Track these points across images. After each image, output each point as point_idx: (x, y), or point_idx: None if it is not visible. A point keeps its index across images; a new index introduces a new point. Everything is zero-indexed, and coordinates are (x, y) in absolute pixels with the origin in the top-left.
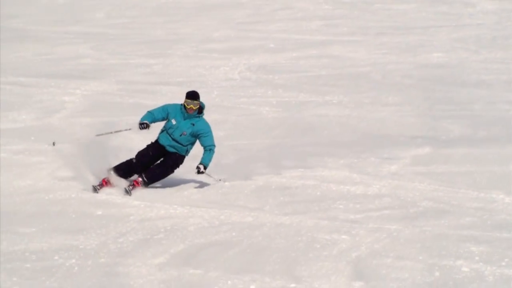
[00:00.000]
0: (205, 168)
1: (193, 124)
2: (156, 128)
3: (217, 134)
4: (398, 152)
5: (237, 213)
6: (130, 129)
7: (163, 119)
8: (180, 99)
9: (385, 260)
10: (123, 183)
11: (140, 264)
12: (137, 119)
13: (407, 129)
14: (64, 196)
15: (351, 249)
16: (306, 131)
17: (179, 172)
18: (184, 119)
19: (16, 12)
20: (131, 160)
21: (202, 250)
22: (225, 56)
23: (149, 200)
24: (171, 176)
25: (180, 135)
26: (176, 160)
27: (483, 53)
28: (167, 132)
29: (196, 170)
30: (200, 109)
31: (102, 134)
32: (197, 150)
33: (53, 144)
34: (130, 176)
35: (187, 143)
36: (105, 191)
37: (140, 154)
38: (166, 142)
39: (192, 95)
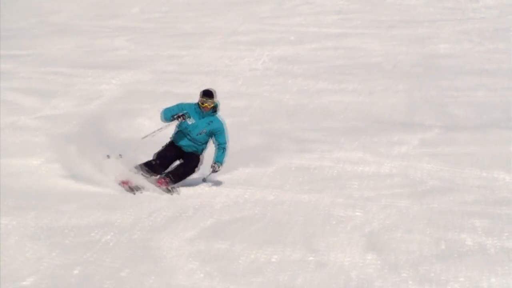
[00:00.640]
0: (219, 166)
1: (210, 122)
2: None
3: (242, 120)
4: (408, 135)
5: (260, 191)
6: (168, 125)
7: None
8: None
9: (395, 234)
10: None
11: (171, 238)
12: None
13: (416, 114)
14: (102, 177)
15: (364, 224)
16: (324, 116)
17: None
18: (201, 118)
19: (58, 8)
20: (151, 161)
21: (228, 225)
22: (250, 48)
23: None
24: None
25: (198, 134)
26: (196, 160)
27: (485, 44)
28: (183, 132)
29: (211, 169)
30: (215, 108)
31: (146, 136)
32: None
33: (108, 157)
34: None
35: (204, 141)
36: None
37: (160, 155)
38: (183, 142)
39: (208, 93)
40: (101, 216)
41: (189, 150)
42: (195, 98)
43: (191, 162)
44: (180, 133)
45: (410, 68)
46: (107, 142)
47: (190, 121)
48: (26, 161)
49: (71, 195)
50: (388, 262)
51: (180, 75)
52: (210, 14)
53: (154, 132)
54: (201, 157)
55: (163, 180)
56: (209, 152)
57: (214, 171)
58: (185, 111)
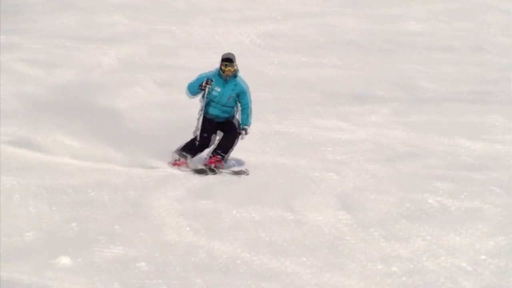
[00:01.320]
0: (246, 131)
1: (235, 86)
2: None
3: None
4: (379, 105)
5: (242, 155)
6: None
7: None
8: (199, 60)
9: (366, 194)
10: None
11: (161, 197)
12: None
13: (388, 86)
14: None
15: (338, 185)
16: (302, 87)
17: None
18: (225, 84)
19: None
20: (193, 141)
21: (213, 186)
22: (237, 25)
23: None
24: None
25: (227, 101)
26: (234, 124)
27: (452, 23)
28: (212, 103)
29: (241, 135)
30: (235, 72)
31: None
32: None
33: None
34: (194, 156)
35: (234, 105)
36: None
37: (203, 137)
38: (215, 112)
39: (228, 59)
40: (97, 177)
41: (223, 118)
42: (187, 69)
43: (232, 129)
44: (210, 104)
45: (383, 44)
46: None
47: (217, 90)
48: (29, 131)
49: (72, 160)
50: (358, 220)
51: (173, 49)
52: None
53: (198, 123)
54: (235, 120)
55: (213, 158)
56: None
57: (246, 133)
58: (210, 78)
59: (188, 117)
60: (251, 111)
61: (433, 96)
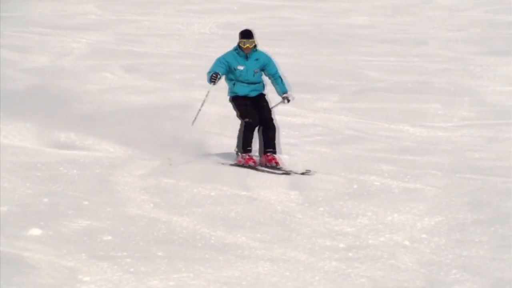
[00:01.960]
0: (290, 96)
1: (258, 59)
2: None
3: (190, 76)
4: (329, 92)
5: (202, 137)
6: (208, 92)
7: (226, 73)
8: (163, 48)
9: (316, 175)
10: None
11: (126, 174)
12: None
13: (337, 75)
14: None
15: (290, 166)
16: None
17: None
18: (247, 60)
19: None
20: (248, 122)
21: (175, 164)
22: (199, 16)
23: None
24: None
25: (254, 74)
26: (266, 99)
27: (397, 17)
28: (239, 82)
29: (285, 102)
30: (255, 45)
31: (193, 121)
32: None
33: (169, 160)
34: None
35: (261, 80)
36: None
37: (249, 112)
38: (246, 90)
39: (247, 34)
40: (68, 154)
41: (255, 93)
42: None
43: (265, 103)
44: (237, 83)
45: (333, 36)
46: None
47: (240, 68)
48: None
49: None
50: (308, 199)
51: (139, 37)
52: None
53: (197, 114)
54: (265, 92)
55: (268, 157)
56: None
57: (288, 101)
58: (216, 72)
59: (152, 101)
60: (283, 77)
61: (378, 85)
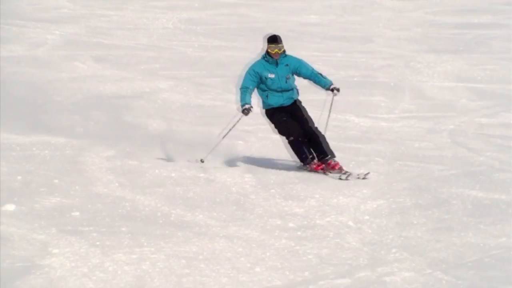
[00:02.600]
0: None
1: (288, 64)
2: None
3: (154, 66)
4: None
5: (163, 123)
6: (240, 119)
7: (259, 84)
8: (130, 41)
9: (268, 160)
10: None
11: (94, 156)
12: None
13: None
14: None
15: (245, 151)
16: (218, 67)
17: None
18: (277, 67)
19: None
20: (292, 140)
21: (139, 148)
22: (163, 11)
23: None
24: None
25: (286, 81)
26: (301, 106)
27: (345, 16)
28: (272, 91)
29: (335, 93)
30: (284, 50)
31: (224, 136)
32: None
33: (201, 161)
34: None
35: (294, 86)
36: None
37: (290, 128)
38: (280, 99)
39: (274, 39)
40: (41, 136)
41: (290, 101)
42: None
43: (302, 111)
44: (270, 94)
45: (287, 32)
46: None
47: (271, 76)
48: None
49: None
50: (261, 181)
51: (108, 30)
52: None
53: (229, 130)
54: (299, 99)
55: (331, 164)
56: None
57: (337, 92)
58: (249, 106)
59: (119, 89)
60: (320, 72)
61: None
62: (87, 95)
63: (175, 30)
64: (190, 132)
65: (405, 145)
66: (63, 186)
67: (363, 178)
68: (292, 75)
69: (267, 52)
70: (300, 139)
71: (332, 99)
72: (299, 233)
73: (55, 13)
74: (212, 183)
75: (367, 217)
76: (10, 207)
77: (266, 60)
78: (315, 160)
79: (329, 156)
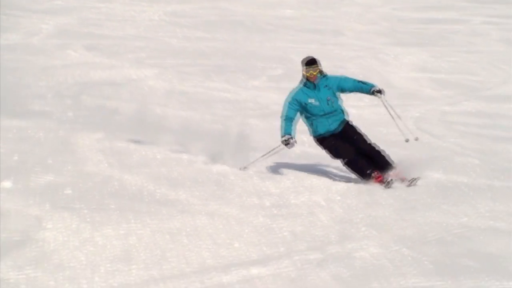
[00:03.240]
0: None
1: (327, 85)
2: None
3: (140, 55)
4: (259, 73)
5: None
6: (279, 146)
7: (300, 112)
8: (118, 31)
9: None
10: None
11: (85, 137)
12: (89, 43)
13: (267, 58)
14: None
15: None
16: (199, 56)
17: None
18: (317, 90)
19: None
20: (347, 161)
21: (127, 128)
22: (149, 4)
23: None
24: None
25: (328, 103)
26: (352, 126)
27: (319, 11)
28: (317, 117)
29: (381, 95)
30: (321, 72)
31: (266, 154)
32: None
33: (243, 168)
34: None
35: (338, 103)
36: None
37: (343, 151)
38: (326, 124)
39: (309, 62)
40: (35, 119)
41: (337, 123)
42: (109, 37)
43: (354, 130)
44: (315, 121)
45: (264, 25)
46: None
47: (312, 101)
48: None
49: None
50: (233, 171)
51: (98, 21)
52: None
53: (273, 150)
54: (349, 120)
55: (381, 177)
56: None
57: (382, 93)
58: (291, 138)
59: (108, 75)
60: (361, 80)
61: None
62: (79, 81)
63: (160, 22)
64: (174, 116)
65: (373, 131)
66: (56, 166)
67: (412, 182)
68: (335, 95)
69: (305, 76)
70: (354, 157)
71: (383, 101)
72: (275, 211)
73: (49, 4)
74: (195, 164)
75: (338, 197)
76: (7, 184)
77: (304, 85)
78: (376, 173)
79: (392, 165)
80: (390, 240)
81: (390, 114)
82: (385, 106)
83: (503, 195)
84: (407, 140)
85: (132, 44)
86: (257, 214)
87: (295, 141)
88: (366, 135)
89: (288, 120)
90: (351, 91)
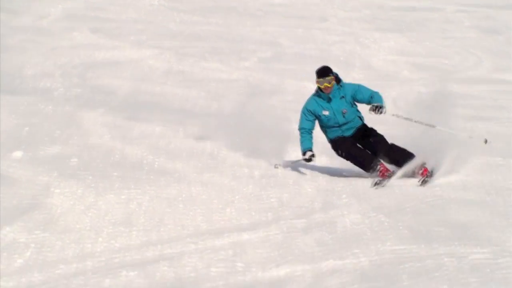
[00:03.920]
0: (380, 107)
1: (343, 96)
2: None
3: (141, 37)
4: (250, 54)
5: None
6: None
7: (315, 121)
8: (121, 15)
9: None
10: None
11: (90, 112)
12: (94, 25)
13: (257, 42)
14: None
15: (218, 112)
16: (195, 39)
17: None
18: (331, 101)
19: None
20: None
21: (127, 107)
22: None
23: None
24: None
25: (343, 116)
26: (368, 129)
27: None
28: (332, 127)
29: (377, 112)
30: (337, 80)
31: (295, 161)
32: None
33: (276, 166)
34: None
35: (355, 112)
36: None
37: (365, 157)
38: (338, 132)
39: (322, 73)
40: (44, 95)
41: (353, 130)
42: (112, 20)
43: (374, 133)
44: (328, 130)
45: (255, 11)
46: None
47: (326, 113)
48: None
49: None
50: (226, 144)
51: (103, 5)
52: None
53: (294, 161)
54: (365, 124)
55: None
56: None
57: (377, 111)
58: (311, 152)
59: (111, 55)
60: (380, 94)
61: (289, 51)
62: (84, 60)
63: (159, 7)
64: (171, 93)
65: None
66: (63, 137)
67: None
68: (351, 104)
69: (320, 88)
70: (373, 161)
71: (399, 117)
72: (263, 180)
73: None
74: (191, 138)
75: (321, 169)
76: (19, 153)
77: (318, 96)
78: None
79: (402, 159)
80: (369, 208)
81: (423, 124)
82: (408, 120)
83: (473, 169)
84: (486, 141)
85: (133, 27)
86: (247, 183)
87: (313, 154)
88: (383, 137)
89: (306, 133)
90: (364, 103)
